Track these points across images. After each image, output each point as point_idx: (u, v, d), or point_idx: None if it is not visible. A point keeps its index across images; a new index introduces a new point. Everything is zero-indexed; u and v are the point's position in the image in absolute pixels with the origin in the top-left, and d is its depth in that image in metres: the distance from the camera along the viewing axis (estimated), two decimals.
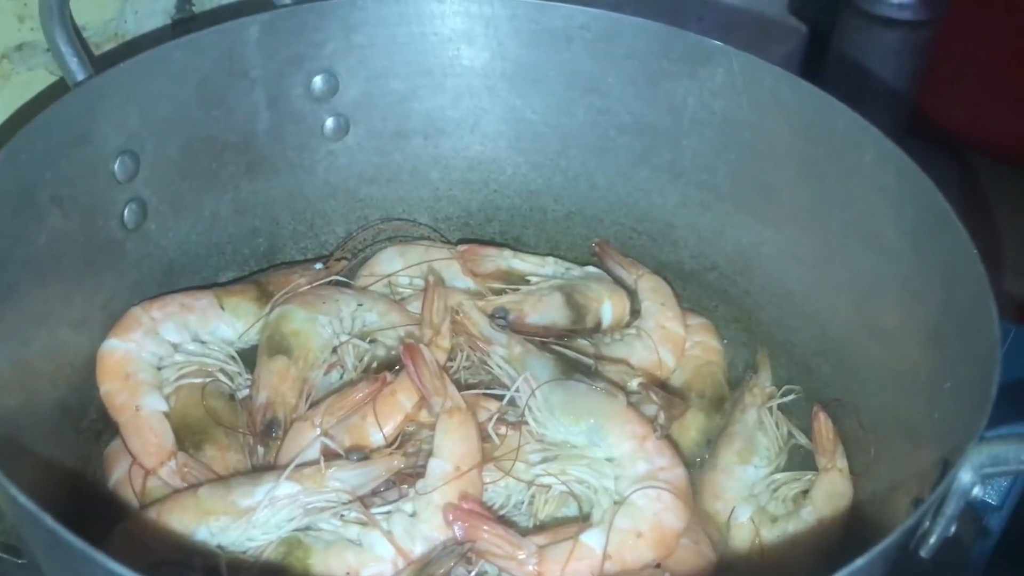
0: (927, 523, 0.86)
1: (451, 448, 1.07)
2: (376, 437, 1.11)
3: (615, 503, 1.07)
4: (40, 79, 1.25)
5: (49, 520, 0.70)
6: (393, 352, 1.22)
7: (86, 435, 1.14)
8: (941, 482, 0.83)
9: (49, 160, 1.05)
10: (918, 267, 1.07)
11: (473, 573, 1.03)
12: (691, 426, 1.24)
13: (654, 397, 1.14)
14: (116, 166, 1.13)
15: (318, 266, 1.33)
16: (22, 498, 0.71)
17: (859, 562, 0.73)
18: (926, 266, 1.05)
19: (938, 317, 1.02)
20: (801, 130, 1.18)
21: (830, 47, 1.94)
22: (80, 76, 1.10)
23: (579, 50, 1.28)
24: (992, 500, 1.26)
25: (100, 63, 1.13)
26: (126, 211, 1.16)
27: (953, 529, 0.86)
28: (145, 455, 1.10)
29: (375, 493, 1.07)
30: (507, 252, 1.38)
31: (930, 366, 1.02)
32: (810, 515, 1.13)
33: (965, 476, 0.83)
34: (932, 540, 0.87)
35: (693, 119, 1.26)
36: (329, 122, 1.32)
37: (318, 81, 1.28)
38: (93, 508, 1.08)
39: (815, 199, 1.20)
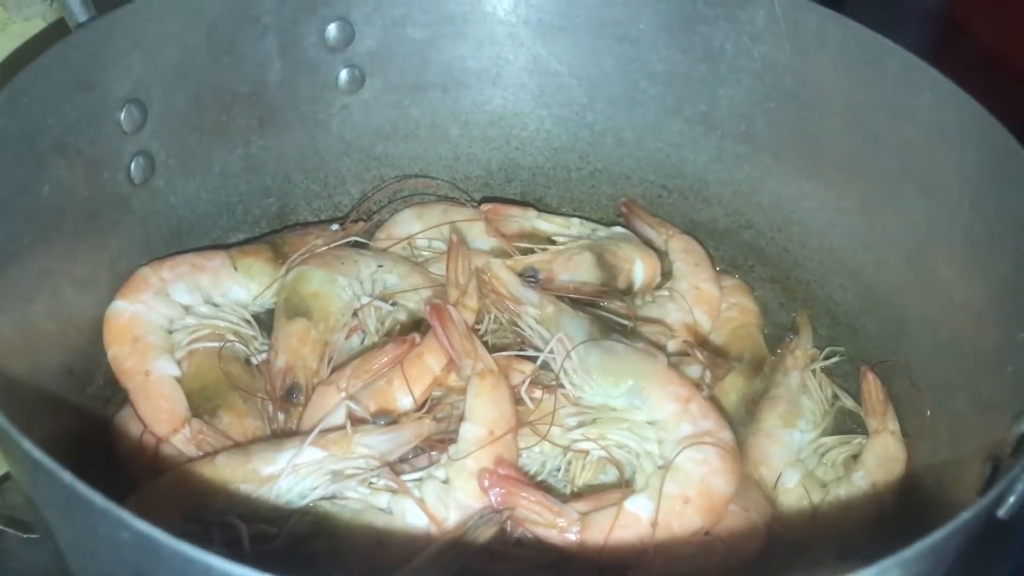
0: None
1: (484, 412, 1.01)
2: (403, 402, 1.05)
3: (659, 468, 1.00)
4: (37, 29, 1.19)
5: (67, 476, 0.63)
6: (416, 315, 1.15)
7: (93, 402, 1.08)
8: None
9: (52, 105, 0.98)
10: (982, 213, 1.01)
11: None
12: (730, 390, 1.17)
13: (699, 356, 1.08)
14: (122, 115, 1.07)
15: (334, 227, 1.26)
16: (36, 452, 0.64)
17: (965, 516, 0.67)
18: (991, 212, 0.99)
19: (1008, 264, 0.96)
20: (848, 74, 1.13)
21: None
22: (82, 17, 1.03)
23: None
24: None
25: (103, 6, 1.05)
26: (133, 164, 1.10)
27: None
28: (157, 422, 1.04)
29: (403, 460, 1.01)
30: (531, 212, 1.32)
31: (998, 317, 0.97)
32: (862, 479, 1.08)
33: None
34: (1012, 499, 0.81)
35: (731, 66, 1.20)
36: (343, 74, 1.25)
37: (332, 29, 1.21)
38: (102, 480, 1.00)
39: (863, 147, 1.14)
